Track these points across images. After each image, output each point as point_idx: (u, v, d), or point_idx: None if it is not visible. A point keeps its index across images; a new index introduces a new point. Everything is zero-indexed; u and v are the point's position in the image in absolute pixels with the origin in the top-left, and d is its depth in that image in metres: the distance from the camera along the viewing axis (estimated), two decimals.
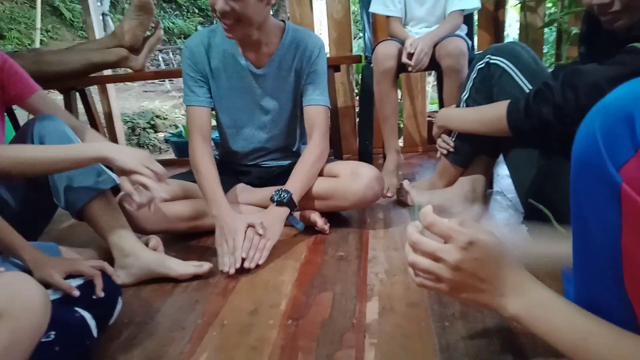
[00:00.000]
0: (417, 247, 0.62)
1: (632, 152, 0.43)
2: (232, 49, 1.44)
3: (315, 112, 1.48)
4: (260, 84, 1.49)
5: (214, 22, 9.36)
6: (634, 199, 0.42)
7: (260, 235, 1.26)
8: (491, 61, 1.24)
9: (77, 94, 2.41)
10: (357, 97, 2.56)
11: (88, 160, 1.03)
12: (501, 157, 1.49)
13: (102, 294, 0.89)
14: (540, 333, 0.56)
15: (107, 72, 2.55)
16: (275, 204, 1.33)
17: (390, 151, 1.74)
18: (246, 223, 1.27)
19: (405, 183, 1.51)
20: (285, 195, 1.33)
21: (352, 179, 1.39)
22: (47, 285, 0.86)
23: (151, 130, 4.67)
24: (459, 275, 0.59)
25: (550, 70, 1.27)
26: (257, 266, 1.25)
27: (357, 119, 2.43)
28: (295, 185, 1.37)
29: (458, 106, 1.38)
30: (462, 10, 1.75)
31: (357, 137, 2.41)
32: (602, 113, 0.46)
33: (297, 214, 1.47)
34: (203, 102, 1.47)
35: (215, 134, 1.73)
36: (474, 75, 1.30)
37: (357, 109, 2.46)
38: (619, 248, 0.46)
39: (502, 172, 1.91)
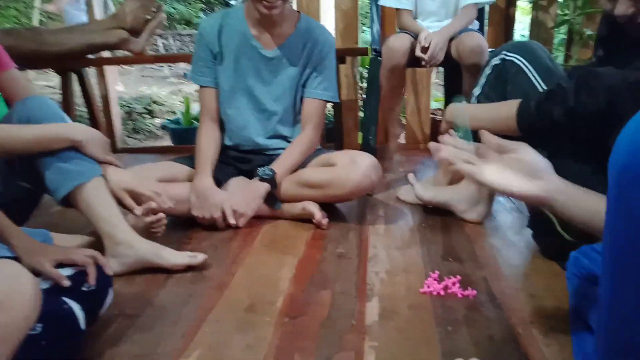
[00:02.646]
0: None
1: None
2: (245, 30, 1.47)
3: (314, 105, 1.53)
4: (267, 67, 1.50)
5: (214, 9, 9.26)
6: None
7: (233, 223, 1.37)
8: (507, 58, 1.20)
9: (75, 76, 2.35)
10: (361, 91, 2.52)
11: (54, 141, 1.06)
12: None
13: (94, 283, 0.85)
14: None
15: (106, 54, 2.49)
16: (258, 179, 1.41)
17: (392, 138, 1.73)
18: (224, 201, 1.38)
19: (411, 177, 1.48)
20: (269, 173, 1.41)
21: (350, 167, 1.37)
22: (36, 273, 0.82)
23: (148, 116, 4.59)
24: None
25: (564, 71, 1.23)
26: (254, 260, 1.21)
27: (360, 114, 2.38)
28: (280, 167, 1.44)
29: (469, 102, 1.34)
30: (477, 3, 1.70)
31: (358, 131, 2.37)
32: None
33: (295, 205, 1.45)
34: (211, 83, 1.52)
35: None
36: (488, 72, 1.26)
37: (360, 103, 2.42)
38: None
39: None
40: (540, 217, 1.12)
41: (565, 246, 1.02)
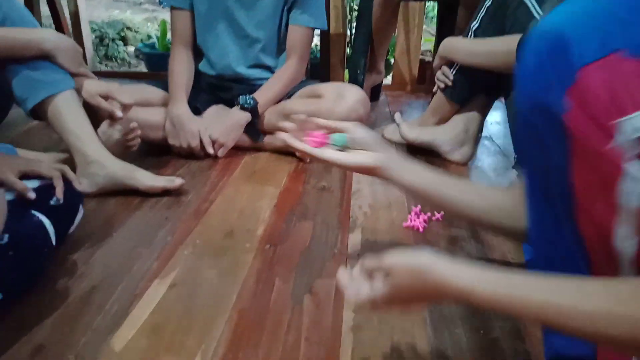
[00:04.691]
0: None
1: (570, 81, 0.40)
2: None
3: (299, 33, 1.43)
4: None
5: None
6: (580, 128, 0.40)
7: (211, 152, 1.33)
8: None
9: None
10: (350, 25, 2.41)
11: (23, 48, 0.98)
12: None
13: (62, 197, 0.79)
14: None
15: None
16: (239, 107, 1.34)
17: (373, 72, 1.67)
18: (201, 129, 1.32)
19: (397, 116, 1.43)
20: (251, 102, 1.34)
21: (337, 99, 1.31)
22: None
23: (121, 43, 4.32)
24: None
25: None
26: (234, 190, 1.17)
27: (348, 49, 2.29)
28: (263, 96, 1.37)
29: (465, 37, 1.27)
30: None
31: (344, 68, 2.28)
32: (540, 39, 0.43)
33: (277, 137, 1.40)
34: (184, 4, 1.40)
35: None
36: (488, 3, 1.19)
37: (347, 38, 2.31)
38: (570, 184, 0.43)
39: (491, 119, 1.85)
40: None
41: None
